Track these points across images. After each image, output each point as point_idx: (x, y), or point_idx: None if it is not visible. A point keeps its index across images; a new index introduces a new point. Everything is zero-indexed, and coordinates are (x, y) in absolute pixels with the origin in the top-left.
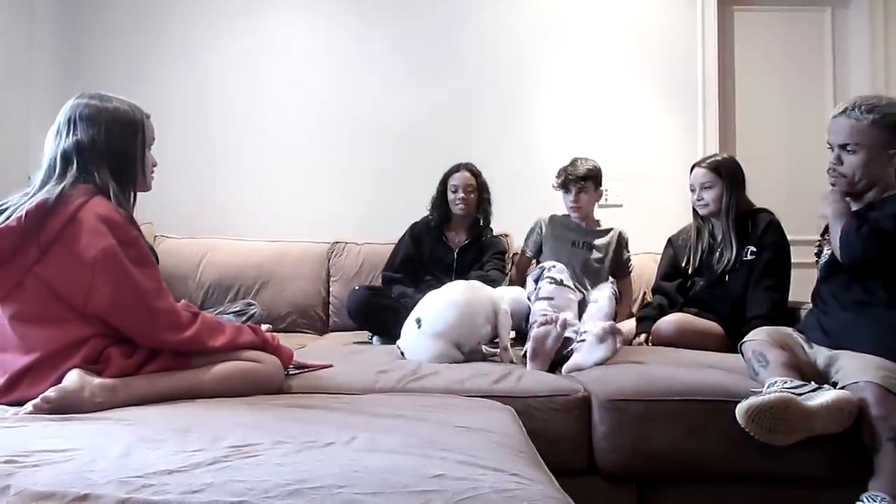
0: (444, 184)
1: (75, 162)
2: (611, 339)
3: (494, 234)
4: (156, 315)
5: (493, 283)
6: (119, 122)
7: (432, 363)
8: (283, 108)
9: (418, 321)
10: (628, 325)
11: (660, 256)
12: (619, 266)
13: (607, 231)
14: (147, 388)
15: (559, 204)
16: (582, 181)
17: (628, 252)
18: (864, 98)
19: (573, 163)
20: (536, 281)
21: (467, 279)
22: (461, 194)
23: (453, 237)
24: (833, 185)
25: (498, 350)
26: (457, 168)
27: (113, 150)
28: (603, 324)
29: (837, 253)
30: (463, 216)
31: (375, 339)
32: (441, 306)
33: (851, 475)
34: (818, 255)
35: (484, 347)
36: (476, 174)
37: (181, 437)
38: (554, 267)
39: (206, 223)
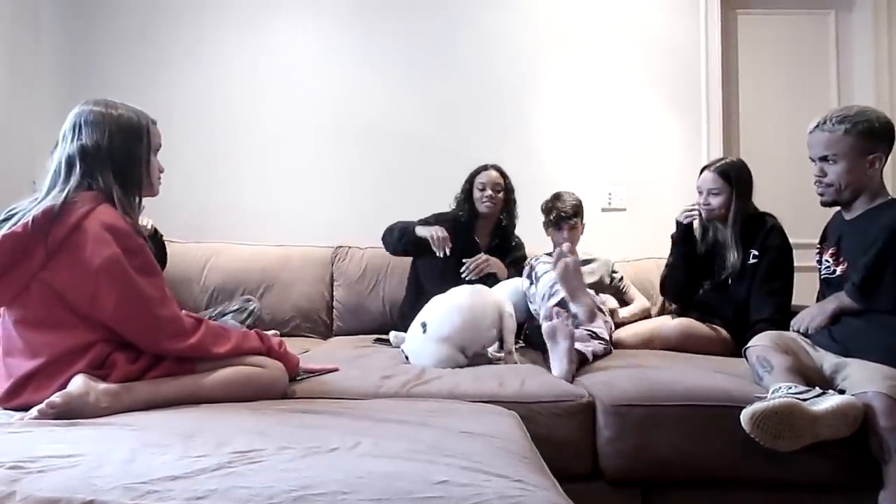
0: (470, 182)
1: (79, 167)
2: (557, 335)
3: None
4: (160, 323)
5: None
6: (123, 128)
7: (437, 368)
8: (287, 112)
9: (423, 325)
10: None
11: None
12: (611, 291)
13: (592, 260)
14: (152, 394)
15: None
16: (573, 217)
17: (617, 274)
18: (836, 110)
19: (560, 198)
20: (529, 278)
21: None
22: (489, 192)
23: (481, 238)
24: (821, 195)
25: (503, 354)
26: (484, 167)
27: (116, 154)
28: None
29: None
30: (488, 215)
31: (393, 335)
32: (446, 311)
33: (857, 481)
34: (819, 262)
35: (489, 351)
36: (504, 175)
37: (186, 443)
38: (537, 258)
39: (210, 227)
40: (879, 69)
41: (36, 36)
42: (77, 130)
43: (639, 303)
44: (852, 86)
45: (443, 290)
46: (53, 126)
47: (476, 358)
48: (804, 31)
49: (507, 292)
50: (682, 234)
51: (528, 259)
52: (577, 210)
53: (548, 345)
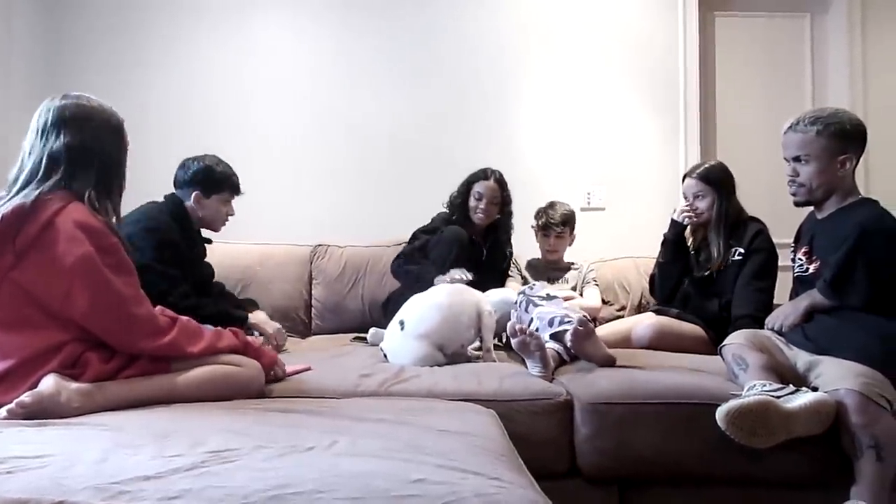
0: (467, 187)
1: (63, 166)
2: (529, 348)
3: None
4: (134, 322)
5: None
6: (108, 125)
7: (415, 366)
8: (266, 111)
9: (401, 323)
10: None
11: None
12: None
13: (572, 265)
14: (125, 393)
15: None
16: (562, 226)
17: (592, 273)
18: (809, 112)
19: (553, 207)
20: (526, 308)
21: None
22: (484, 204)
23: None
24: (794, 195)
25: (481, 353)
26: (485, 175)
27: (103, 153)
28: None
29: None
30: (480, 227)
31: (372, 332)
32: (425, 308)
33: (831, 477)
34: (793, 260)
35: (468, 350)
36: (503, 185)
37: (159, 443)
38: (532, 288)
39: None
40: (853, 71)
41: (8, 34)
42: (60, 127)
43: (586, 301)
44: (827, 87)
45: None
46: (26, 123)
47: (455, 356)
48: (780, 34)
49: (494, 301)
50: (677, 234)
51: (522, 289)
52: (567, 220)
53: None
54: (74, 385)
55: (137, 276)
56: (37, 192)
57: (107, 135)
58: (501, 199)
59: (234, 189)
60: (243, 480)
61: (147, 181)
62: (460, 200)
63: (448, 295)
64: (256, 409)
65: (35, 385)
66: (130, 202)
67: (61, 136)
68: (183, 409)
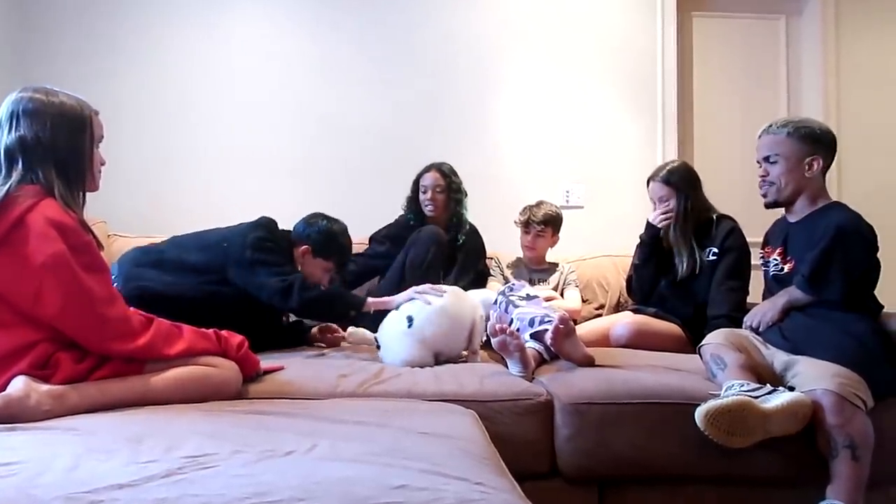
0: (416, 184)
1: (20, 160)
2: (509, 348)
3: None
4: (107, 322)
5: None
6: (65, 118)
7: (403, 366)
8: (242, 105)
9: (409, 319)
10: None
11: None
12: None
13: (555, 266)
14: (97, 395)
15: (520, 204)
16: (542, 225)
17: (573, 274)
18: (782, 118)
19: (538, 205)
20: (506, 309)
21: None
22: (430, 195)
23: None
24: (764, 195)
25: (467, 352)
26: (427, 168)
27: (59, 147)
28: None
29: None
30: (433, 218)
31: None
32: (435, 312)
33: (807, 476)
34: (765, 264)
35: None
36: (446, 174)
37: (133, 447)
38: (511, 290)
39: (162, 221)
40: (827, 72)
41: None
42: (14, 120)
43: (567, 303)
44: (801, 89)
45: (426, 282)
46: None
47: (445, 362)
48: (756, 35)
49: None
50: (652, 236)
51: (504, 288)
52: (549, 220)
53: (503, 355)
54: (45, 387)
55: (110, 276)
56: (5, 188)
57: (65, 126)
58: (447, 187)
59: (341, 265)
60: (220, 488)
61: (120, 171)
62: (413, 199)
63: (455, 301)
64: (233, 411)
65: (3, 387)
66: (103, 192)
67: (15, 130)
68: (157, 411)
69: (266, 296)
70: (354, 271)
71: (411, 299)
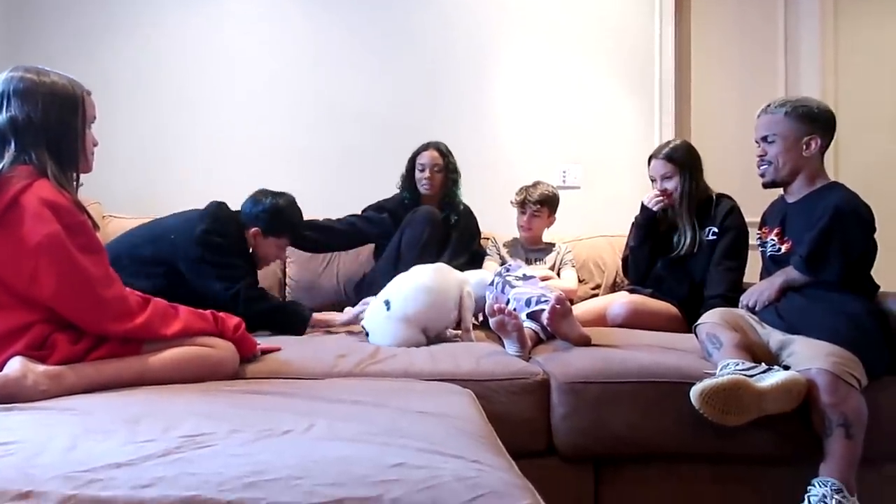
0: (412, 162)
1: (12, 141)
2: (506, 327)
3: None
4: (103, 303)
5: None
6: (57, 98)
7: (396, 347)
8: (238, 86)
9: (387, 303)
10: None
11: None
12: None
13: (552, 246)
14: (94, 375)
15: (518, 185)
16: (538, 205)
17: (569, 255)
18: (780, 97)
19: (535, 185)
20: (502, 289)
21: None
22: (427, 173)
23: None
24: (762, 175)
25: (460, 332)
26: (425, 147)
27: (51, 127)
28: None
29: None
30: (429, 196)
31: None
32: (411, 290)
33: (801, 454)
34: (762, 244)
35: (449, 331)
36: (444, 153)
37: (131, 428)
38: (508, 270)
39: (157, 202)
40: (825, 51)
41: None
42: (6, 100)
43: (563, 283)
44: (799, 68)
45: (421, 262)
46: None
47: (436, 339)
48: (754, 14)
49: (472, 282)
50: (648, 218)
51: (500, 269)
52: (545, 201)
53: (500, 335)
54: (42, 367)
55: (106, 256)
56: None
57: (57, 106)
58: (445, 166)
59: (295, 238)
60: (218, 467)
61: (115, 152)
62: (408, 177)
63: (434, 277)
64: (230, 390)
65: (0, 368)
66: (97, 174)
67: (6, 110)
68: (155, 391)
69: (212, 301)
70: (345, 232)
71: (360, 313)
